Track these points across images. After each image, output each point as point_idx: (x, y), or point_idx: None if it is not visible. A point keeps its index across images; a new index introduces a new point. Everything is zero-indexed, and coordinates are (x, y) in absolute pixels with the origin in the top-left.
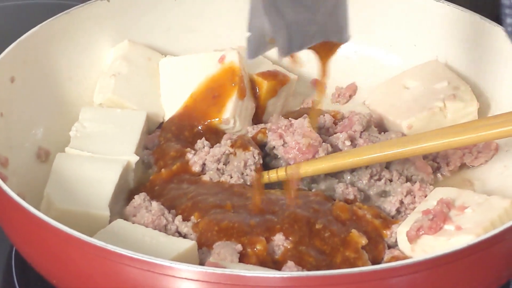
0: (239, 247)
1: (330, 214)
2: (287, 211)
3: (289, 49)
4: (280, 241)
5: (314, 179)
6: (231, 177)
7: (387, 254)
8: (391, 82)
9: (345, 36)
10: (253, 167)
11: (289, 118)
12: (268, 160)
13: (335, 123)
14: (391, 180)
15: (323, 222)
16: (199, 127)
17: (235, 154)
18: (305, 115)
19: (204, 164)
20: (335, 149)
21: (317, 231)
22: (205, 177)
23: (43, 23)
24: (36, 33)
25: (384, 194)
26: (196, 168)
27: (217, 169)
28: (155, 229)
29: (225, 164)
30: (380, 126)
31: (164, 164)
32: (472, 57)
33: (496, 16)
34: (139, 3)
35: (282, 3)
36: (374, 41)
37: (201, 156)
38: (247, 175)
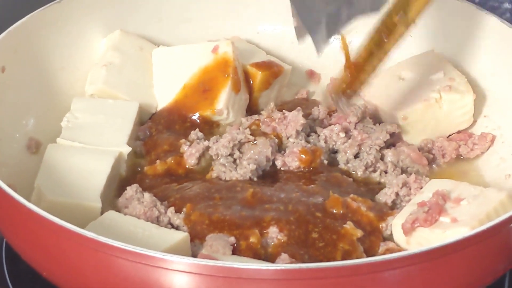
0: (232, 239)
1: (325, 212)
2: (290, 205)
3: (326, 41)
4: (274, 234)
5: None
6: (245, 168)
7: (382, 247)
8: (386, 73)
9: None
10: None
11: (283, 111)
12: None
13: (329, 115)
14: (386, 172)
15: (320, 231)
16: (191, 119)
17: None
18: (299, 107)
19: (201, 156)
20: (329, 143)
21: (313, 240)
22: (213, 174)
23: (34, 12)
24: (27, 22)
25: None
26: (192, 161)
27: (233, 159)
28: (147, 220)
29: (240, 152)
30: (375, 117)
31: (156, 156)
32: (468, 48)
33: (491, 7)
34: None
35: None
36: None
37: (198, 148)
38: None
